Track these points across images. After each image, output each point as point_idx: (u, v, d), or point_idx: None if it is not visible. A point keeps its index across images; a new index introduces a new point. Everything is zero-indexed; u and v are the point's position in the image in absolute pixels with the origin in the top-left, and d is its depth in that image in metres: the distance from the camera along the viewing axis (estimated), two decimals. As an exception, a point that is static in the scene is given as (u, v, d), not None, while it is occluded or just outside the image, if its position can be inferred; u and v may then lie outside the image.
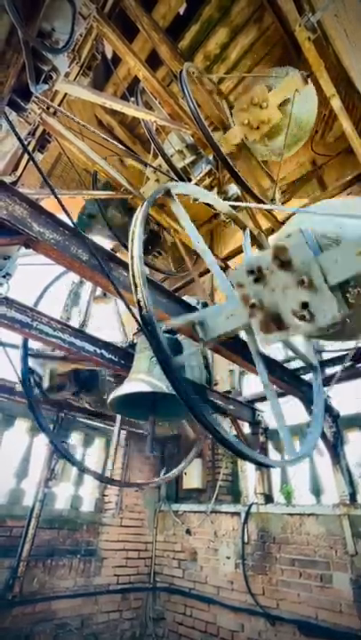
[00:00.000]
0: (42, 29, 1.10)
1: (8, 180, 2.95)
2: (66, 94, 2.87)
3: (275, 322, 1.33)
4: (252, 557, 3.80)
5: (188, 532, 4.58)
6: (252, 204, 3.27)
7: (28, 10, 0.99)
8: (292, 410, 3.72)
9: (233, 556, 3.99)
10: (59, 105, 2.92)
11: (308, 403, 3.21)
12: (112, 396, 2.07)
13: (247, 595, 3.65)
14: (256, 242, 4.08)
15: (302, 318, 1.24)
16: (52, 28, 1.14)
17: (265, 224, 4.36)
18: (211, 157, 3.55)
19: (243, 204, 3.12)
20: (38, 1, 0.98)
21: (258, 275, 1.37)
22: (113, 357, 2.70)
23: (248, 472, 4.58)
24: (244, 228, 2.09)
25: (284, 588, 3.43)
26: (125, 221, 4.22)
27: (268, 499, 4.09)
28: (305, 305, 1.24)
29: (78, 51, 2.70)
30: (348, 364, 3.32)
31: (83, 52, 2.79)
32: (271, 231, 4.24)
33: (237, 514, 4.13)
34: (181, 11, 4.74)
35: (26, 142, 2.51)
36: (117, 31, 2.87)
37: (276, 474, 4.25)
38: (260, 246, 3.69)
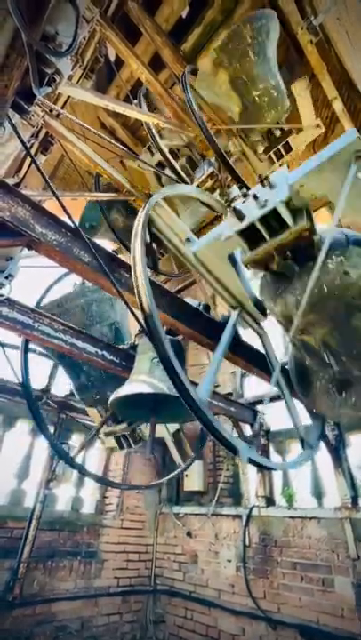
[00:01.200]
0: (45, 33, 1.11)
1: (11, 181, 2.96)
2: (69, 97, 2.88)
3: None
4: (254, 560, 3.78)
5: (188, 534, 4.57)
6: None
7: (32, 13, 1.00)
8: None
9: (234, 559, 3.97)
10: (62, 107, 2.93)
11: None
12: (113, 396, 2.07)
13: (248, 598, 3.62)
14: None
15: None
16: (55, 31, 1.15)
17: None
18: (213, 160, 3.56)
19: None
20: (42, 5, 0.99)
21: None
22: (114, 359, 2.69)
23: (249, 474, 4.56)
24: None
25: (285, 592, 3.41)
26: (127, 223, 4.23)
27: (270, 501, 4.07)
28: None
29: (81, 54, 2.72)
30: None
31: (86, 55, 2.81)
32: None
33: (239, 516, 4.11)
34: (184, 14, 4.76)
35: (29, 144, 2.53)
36: (120, 34, 2.89)
37: (277, 476, 4.23)
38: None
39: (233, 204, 1.35)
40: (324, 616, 3.06)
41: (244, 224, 1.30)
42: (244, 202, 1.37)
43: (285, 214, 1.23)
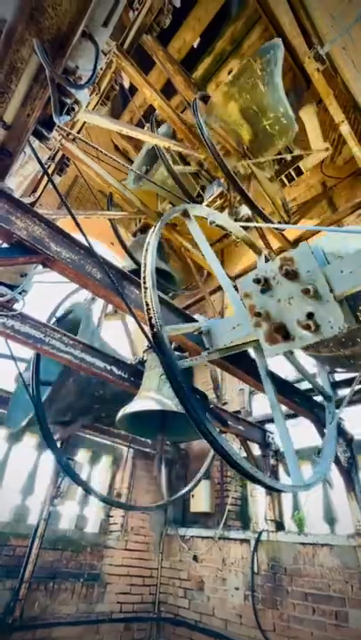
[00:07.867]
0: (67, 67, 1.19)
1: (28, 200, 3.09)
2: (85, 122, 3.03)
3: (280, 332, 1.33)
4: (263, 589, 3.61)
5: (195, 558, 4.40)
6: (263, 224, 3.33)
7: (55, 51, 1.08)
8: (304, 432, 3.62)
9: (242, 586, 3.80)
10: (78, 132, 3.08)
11: (320, 425, 3.13)
12: (121, 413, 2.06)
13: (257, 630, 3.44)
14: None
15: (307, 328, 1.23)
16: (76, 65, 1.23)
17: (275, 244, 4.40)
18: (222, 180, 3.65)
19: (254, 224, 3.17)
20: (65, 43, 1.07)
21: (264, 285, 1.38)
22: (123, 374, 2.70)
23: (258, 496, 4.42)
24: (259, 253, 2.15)
25: (296, 625, 3.22)
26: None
27: (279, 526, 3.92)
28: (310, 315, 1.24)
29: (98, 83, 2.88)
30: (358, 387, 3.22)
31: (102, 84, 2.97)
32: (281, 252, 4.29)
33: (247, 541, 3.96)
34: (195, 44, 5.02)
35: (46, 166, 2.64)
36: (135, 65, 3.05)
37: (287, 499, 4.09)
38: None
39: None
40: (339, 653, 2.88)
41: None
42: None
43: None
